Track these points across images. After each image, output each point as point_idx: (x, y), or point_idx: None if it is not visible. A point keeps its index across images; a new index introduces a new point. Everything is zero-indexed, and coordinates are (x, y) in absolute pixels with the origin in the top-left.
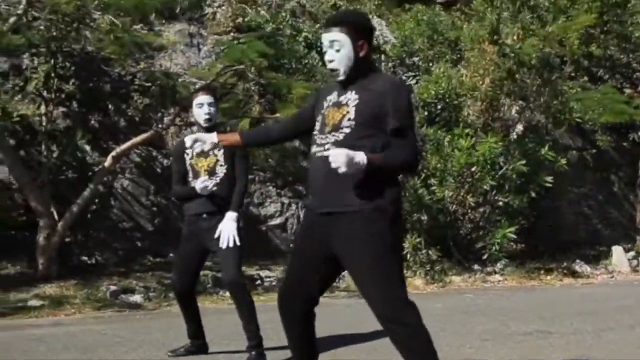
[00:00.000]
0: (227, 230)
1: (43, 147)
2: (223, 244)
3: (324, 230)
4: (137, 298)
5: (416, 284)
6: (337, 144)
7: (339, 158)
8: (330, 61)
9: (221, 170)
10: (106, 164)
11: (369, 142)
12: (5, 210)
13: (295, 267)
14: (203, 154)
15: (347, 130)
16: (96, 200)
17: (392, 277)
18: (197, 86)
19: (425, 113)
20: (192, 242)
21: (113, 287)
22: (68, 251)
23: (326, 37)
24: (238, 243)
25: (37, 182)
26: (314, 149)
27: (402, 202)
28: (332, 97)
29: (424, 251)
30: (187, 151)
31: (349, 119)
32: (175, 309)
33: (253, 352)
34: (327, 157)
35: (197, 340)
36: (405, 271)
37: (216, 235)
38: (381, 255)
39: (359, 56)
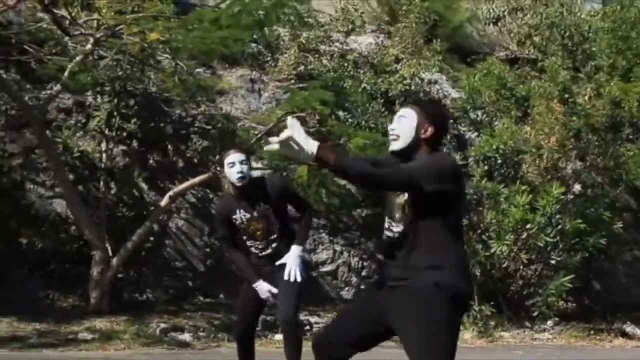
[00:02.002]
0: (291, 264)
1: (101, 183)
2: (286, 276)
3: (385, 301)
4: (186, 337)
5: (465, 338)
6: (408, 228)
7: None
8: (393, 129)
9: (275, 228)
10: (162, 203)
11: (429, 220)
12: (62, 243)
13: (344, 320)
14: (253, 218)
15: (408, 214)
16: (150, 239)
17: (442, 355)
18: (257, 131)
19: (485, 167)
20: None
21: (163, 325)
22: (120, 287)
23: (397, 113)
24: (299, 279)
25: (94, 217)
26: (386, 232)
27: (466, 279)
28: None
29: (477, 308)
30: (235, 217)
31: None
32: (223, 350)
33: None
34: (396, 238)
35: None
36: None
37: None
38: (434, 332)
39: (419, 136)
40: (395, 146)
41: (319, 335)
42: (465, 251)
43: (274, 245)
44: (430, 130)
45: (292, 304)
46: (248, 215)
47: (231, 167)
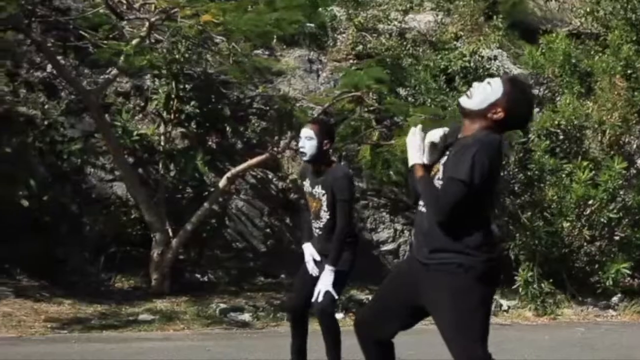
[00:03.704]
0: (321, 285)
1: (160, 165)
2: (314, 297)
3: (416, 277)
4: (245, 317)
5: (526, 315)
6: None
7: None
8: (473, 87)
9: (325, 216)
10: (220, 184)
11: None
12: (122, 226)
13: (381, 300)
14: (312, 194)
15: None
16: (211, 220)
17: (471, 334)
18: (314, 112)
19: (547, 142)
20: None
21: (223, 305)
22: (181, 268)
23: (491, 78)
24: (336, 297)
25: (153, 199)
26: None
27: (497, 261)
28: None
29: (536, 285)
30: (305, 182)
31: (438, 178)
32: (282, 329)
33: None
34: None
35: (299, 357)
36: (516, 302)
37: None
38: (462, 310)
39: (487, 112)
40: (463, 102)
41: (360, 316)
42: (491, 231)
43: (319, 230)
44: (499, 114)
45: (328, 294)
46: (310, 189)
47: (299, 140)
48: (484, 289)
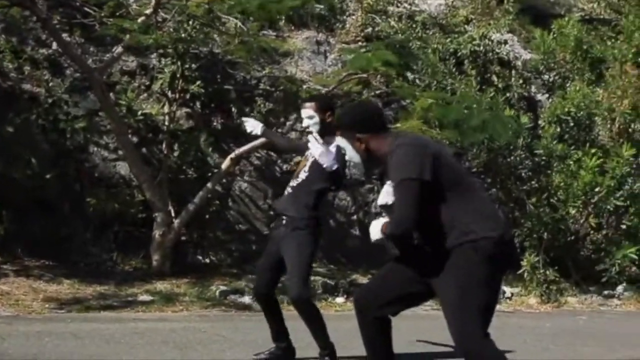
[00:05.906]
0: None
1: (164, 145)
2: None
3: (426, 259)
4: (245, 299)
5: (530, 303)
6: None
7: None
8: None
9: (302, 176)
10: (224, 165)
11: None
12: (125, 205)
13: (388, 276)
14: (306, 156)
15: None
16: (215, 202)
17: (471, 311)
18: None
19: (558, 129)
20: (272, 245)
21: (223, 287)
22: (183, 250)
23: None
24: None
25: (156, 180)
26: None
27: (509, 245)
28: None
29: (541, 271)
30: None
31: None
32: (285, 313)
33: (326, 358)
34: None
35: (280, 343)
36: (519, 289)
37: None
38: (466, 287)
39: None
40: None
41: (360, 294)
42: (484, 199)
43: (291, 189)
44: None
45: (297, 280)
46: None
47: (302, 121)
48: (491, 269)
